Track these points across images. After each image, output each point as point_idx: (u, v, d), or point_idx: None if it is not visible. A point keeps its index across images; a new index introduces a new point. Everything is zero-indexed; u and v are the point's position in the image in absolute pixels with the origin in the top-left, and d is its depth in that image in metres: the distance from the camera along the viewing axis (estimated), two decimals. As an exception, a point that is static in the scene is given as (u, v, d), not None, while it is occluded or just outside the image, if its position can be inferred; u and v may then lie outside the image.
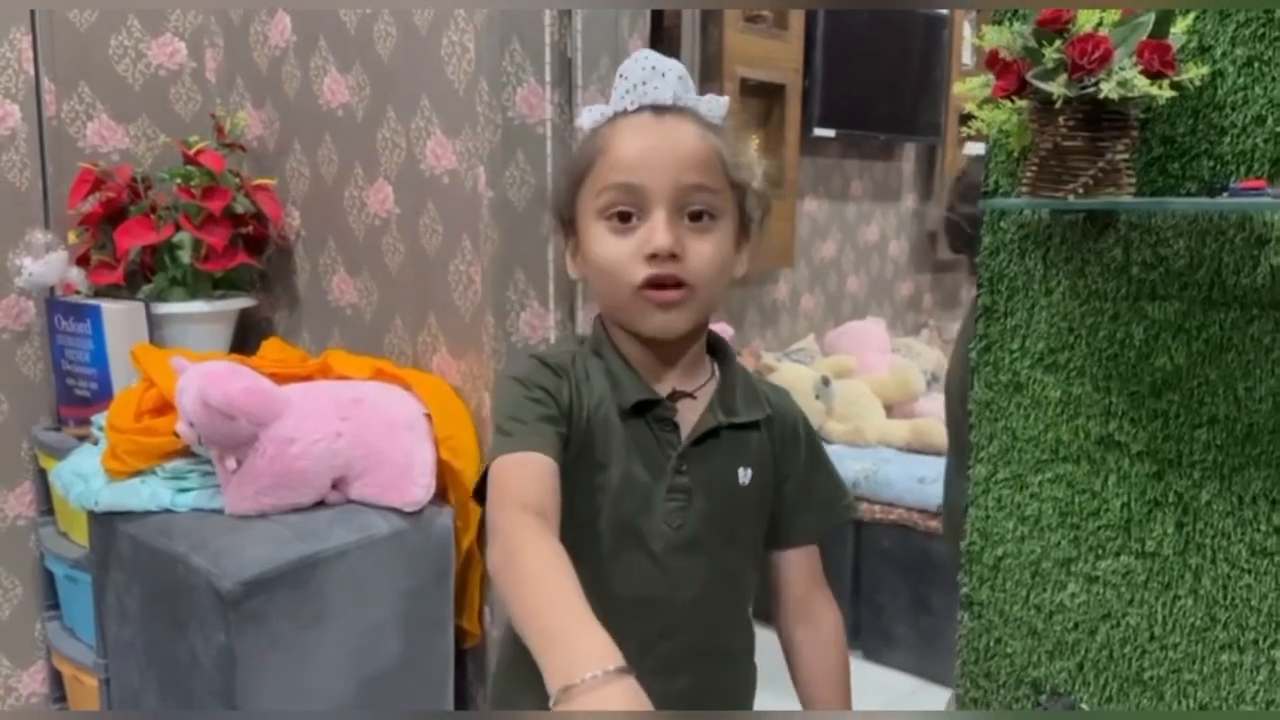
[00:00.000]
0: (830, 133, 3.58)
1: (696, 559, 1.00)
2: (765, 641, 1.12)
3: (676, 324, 0.96)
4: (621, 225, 0.95)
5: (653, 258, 0.93)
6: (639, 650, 0.98)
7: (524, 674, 0.97)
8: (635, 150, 0.94)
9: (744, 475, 1.01)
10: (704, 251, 0.95)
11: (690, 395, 1.01)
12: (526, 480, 0.89)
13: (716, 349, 1.06)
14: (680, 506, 0.99)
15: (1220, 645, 1.11)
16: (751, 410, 1.03)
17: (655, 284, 0.94)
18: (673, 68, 0.96)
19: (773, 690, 1.13)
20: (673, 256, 0.93)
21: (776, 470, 1.05)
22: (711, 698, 1.03)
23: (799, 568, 1.09)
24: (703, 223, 0.95)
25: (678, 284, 0.94)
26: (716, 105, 0.98)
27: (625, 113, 0.97)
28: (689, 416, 1.00)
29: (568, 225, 1.02)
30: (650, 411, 0.99)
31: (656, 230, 0.93)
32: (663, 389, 1.00)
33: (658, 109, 0.96)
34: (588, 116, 1.00)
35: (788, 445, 1.06)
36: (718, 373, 1.04)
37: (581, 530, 0.98)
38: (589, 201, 0.97)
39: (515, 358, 1.86)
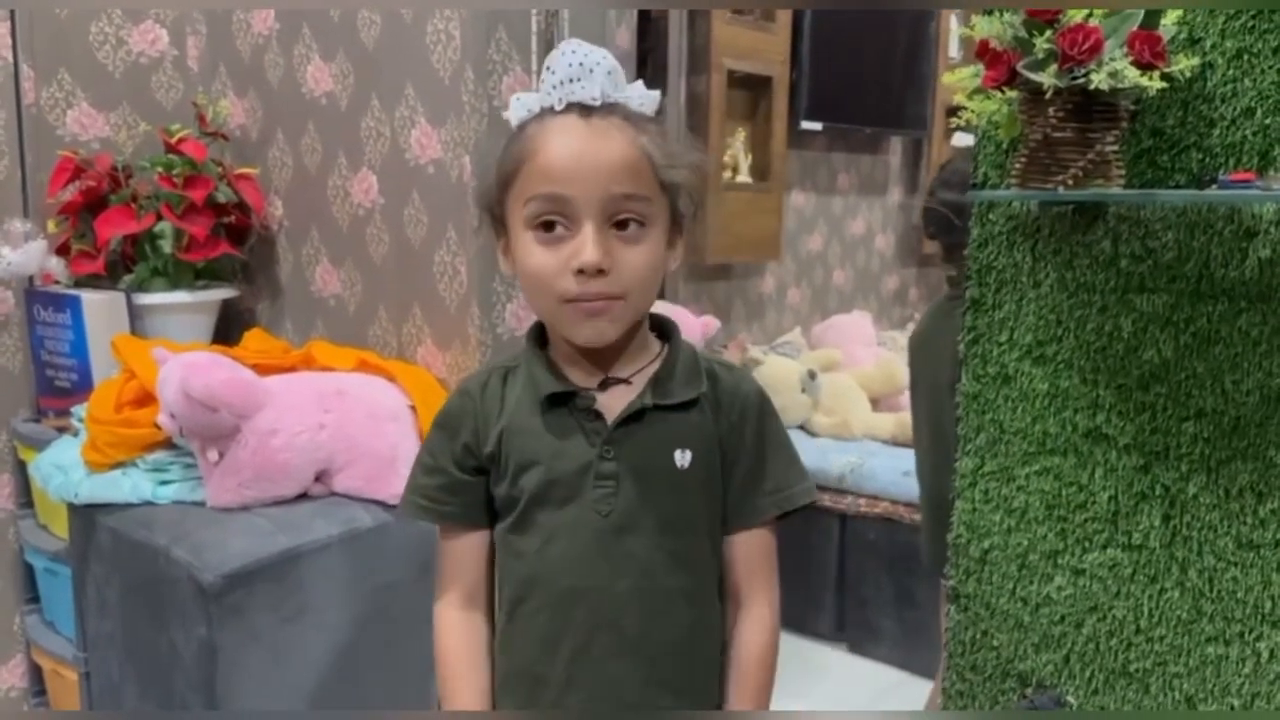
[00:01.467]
0: (817, 126, 3.58)
1: (630, 545, 0.98)
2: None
3: (607, 333, 0.96)
4: (548, 235, 0.93)
5: (580, 273, 0.92)
6: (582, 640, 0.99)
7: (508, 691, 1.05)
8: (562, 158, 0.92)
9: (681, 458, 0.99)
10: (634, 261, 0.94)
11: (626, 381, 1.00)
12: (453, 565, 1.07)
13: (665, 331, 1.05)
14: (608, 493, 0.98)
15: (1206, 638, 1.11)
16: (687, 390, 1.00)
17: (583, 298, 0.93)
18: (601, 62, 0.93)
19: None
20: (600, 272, 0.92)
21: (724, 451, 1.02)
22: (667, 689, 1.01)
23: (740, 552, 1.05)
24: (630, 231, 0.93)
25: (607, 296, 0.93)
26: (648, 99, 0.96)
27: (553, 111, 0.94)
28: (620, 403, 0.99)
29: (498, 221, 1.00)
30: (569, 402, 0.99)
31: (585, 245, 0.91)
32: (597, 379, 1.00)
33: (585, 109, 0.93)
34: (515, 109, 0.97)
35: (735, 426, 1.03)
36: (664, 354, 1.03)
37: (518, 527, 1.01)
38: (516, 207, 0.95)
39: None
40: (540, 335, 1.04)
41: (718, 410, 1.02)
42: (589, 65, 0.93)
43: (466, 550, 1.06)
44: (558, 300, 0.94)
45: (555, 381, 1.00)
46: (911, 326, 3.99)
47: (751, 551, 1.06)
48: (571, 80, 0.93)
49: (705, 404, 1.01)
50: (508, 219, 0.98)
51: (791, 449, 1.08)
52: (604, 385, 1.00)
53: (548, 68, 0.95)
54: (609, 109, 0.94)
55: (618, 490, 0.98)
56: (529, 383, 1.01)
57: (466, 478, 1.04)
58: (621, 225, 0.93)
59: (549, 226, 0.93)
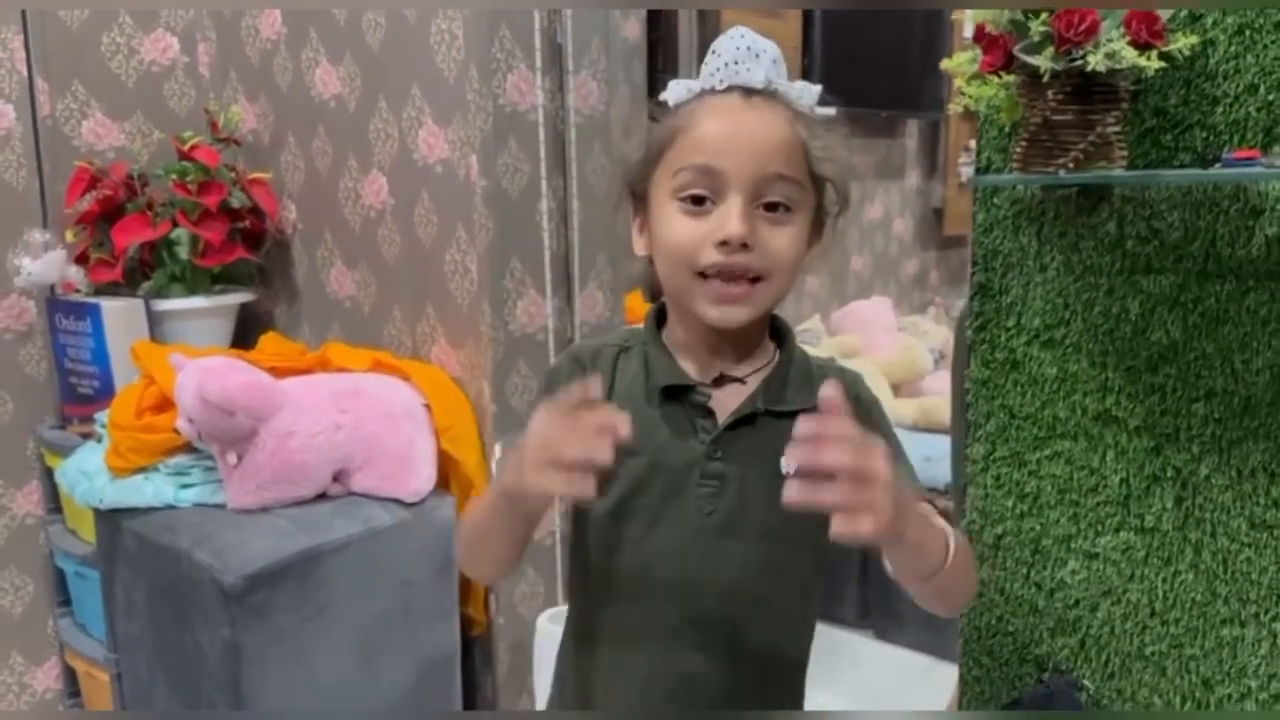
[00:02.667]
0: (831, 110, 3.53)
1: (731, 547, 0.96)
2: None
3: (737, 316, 0.93)
4: (695, 208, 0.91)
5: (723, 245, 0.90)
6: (673, 633, 0.98)
7: (573, 662, 1.04)
8: (719, 132, 0.91)
9: (788, 465, 0.98)
10: (778, 243, 0.92)
11: (740, 380, 0.98)
12: None
13: (779, 333, 1.03)
14: (713, 492, 0.96)
15: (1221, 619, 1.11)
16: (799, 398, 0.97)
17: (722, 274, 0.91)
18: (768, 49, 0.93)
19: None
20: (744, 246, 0.90)
21: None
22: (747, 695, 0.99)
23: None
24: (779, 214, 0.92)
25: (745, 276, 0.91)
26: (808, 93, 0.95)
27: (713, 91, 0.93)
28: (732, 402, 0.97)
29: (639, 200, 0.99)
30: (684, 396, 0.97)
31: (731, 217, 0.89)
32: (711, 374, 0.98)
33: (747, 91, 0.92)
34: (674, 91, 0.96)
35: None
36: (777, 358, 1.01)
37: (616, 515, 0.98)
38: (664, 179, 0.94)
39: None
40: (659, 320, 1.02)
41: None
42: (755, 50, 0.93)
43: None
44: (693, 273, 0.92)
45: (674, 372, 0.97)
46: (933, 311, 3.98)
47: None
48: (737, 63, 0.92)
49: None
50: (651, 194, 0.96)
51: (904, 453, 1.03)
52: (718, 382, 0.98)
53: (713, 51, 0.94)
54: (770, 94, 0.93)
55: (721, 491, 0.96)
56: (645, 368, 0.99)
57: None
58: (770, 208, 0.92)
59: (697, 200, 0.92)
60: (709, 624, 0.98)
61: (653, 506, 0.97)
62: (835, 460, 0.76)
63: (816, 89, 0.96)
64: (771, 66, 0.93)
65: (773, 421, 0.96)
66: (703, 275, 0.92)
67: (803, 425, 0.78)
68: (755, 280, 0.92)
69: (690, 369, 0.98)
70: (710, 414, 0.97)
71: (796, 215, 0.93)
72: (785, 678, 1.04)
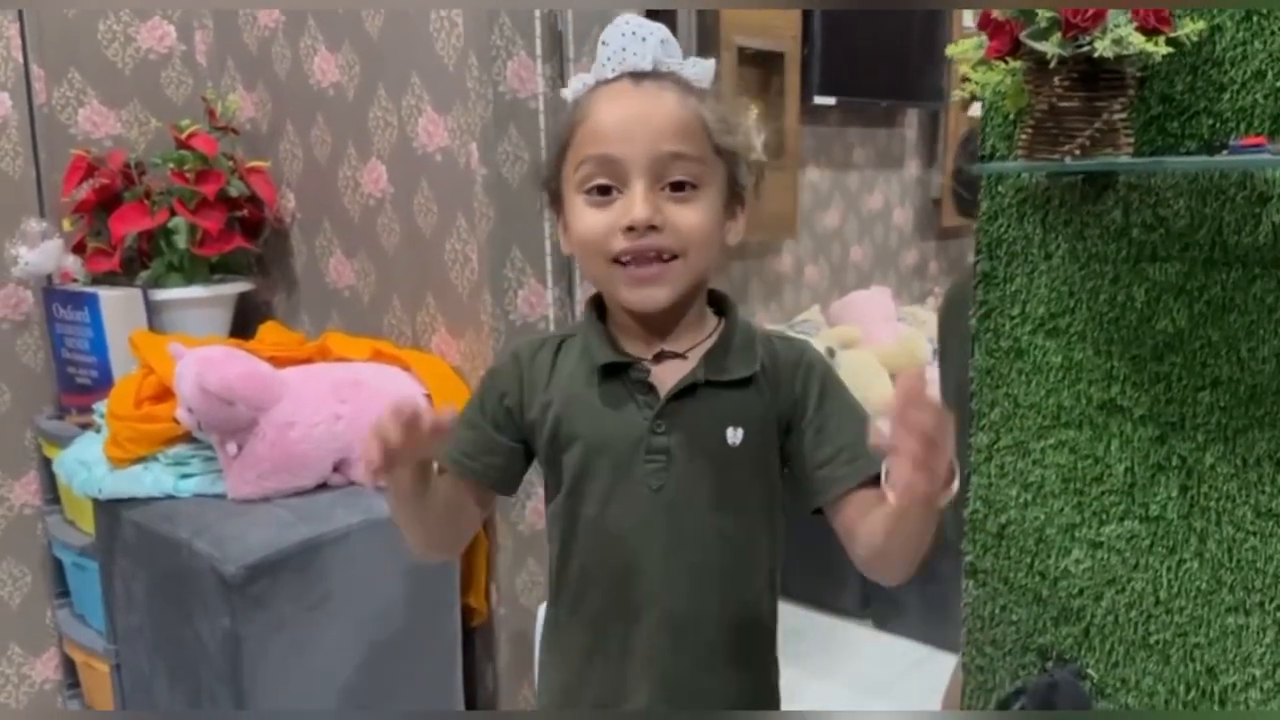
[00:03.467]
0: (831, 100, 3.54)
1: (682, 522, 0.98)
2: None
3: (657, 297, 0.95)
4: (601, 198, 0.94)
5: (630, 230, 0.92)
6: (631, 616, 0.99)
7: (552, 651, 1.07)
8: (612, 120, 0.93)
9: (734, 435, 0.98)
10: (687, 221, 0.93)
11: (681, 355, 1.00)
12: None
13: (723, 306, 1.04)
14: (660, 468, 0.97)
15: (1226, 608, 1.10)
16: (741, 367, 0.99)
17: (635, 258, 0.93)
18: (654, 31, 0.94)
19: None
20: (652, 228, 0.91)
21: (790, 424, 1.00)
22: (716, 668, 1.01)
23: (855, 509, 0.97)
24: (685, 192, 0.93)
25: (659, 257, 0.93)
26: (702, 69, 0.96)
27: (605, 81, 0.95)
28: (674, 377, 0.99)
29: (556, 199, 1.01)
30: (624, 374, 0.99)
31: (634, 202, 0.91)
32: (653, 351, 1.00)
33: (637, 76, 0.94)
34: (572, 86, 0.99)
35: (800, 398, 1.00)
36: (720, 330, 1.02)
37: (571, 499, 1.01)
38: (570, 174, 0.96)
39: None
40: (599, 306, 1.03)
41: (777, 386, 1.00)
42: (641, 34, 0.94)
43: (473, 500, 1.06)
44: (608, 260, 0.94)
45: (611, 351, 0.99)
46: (932, 301, 3.98)
47: (868, 503, 0.96)
48: (624, 49, 0.94)
49: (762, 381, 1.00)
50: (563, 191, 0.98)
51: (862, 412, 1.03)
52: (659, 358, 1.00)
53: (602, 41, 0.96)
54: (661, 75, 0.95)
55: (669, 465, 0.97)
56: (584, 352, 1.01)
57: (501, 439, 1.04)
58: (676, 187, 0.93)
59: (602, 190, 0.93)
60: (670, 601, 0.99)
61: (603, 487, 0.99)
62: (923, 418, 0.79)
63: (710, 63, 0.97)
64: (659, 47, 0.94)
65: (715, 392, 0.98)
66: (619, 262, 0.93)
67: (903, 381, 0.84)
68: (671, 259, 0.93)
69: (631, 349, 1.00)
70: (652, 389, 0.98)
71: (704, 191, 0.94)
72: (753, 646, 1.05)
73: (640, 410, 0.98)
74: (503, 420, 1.04)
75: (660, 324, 0.99)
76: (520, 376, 1.03)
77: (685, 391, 0.98)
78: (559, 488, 1.02)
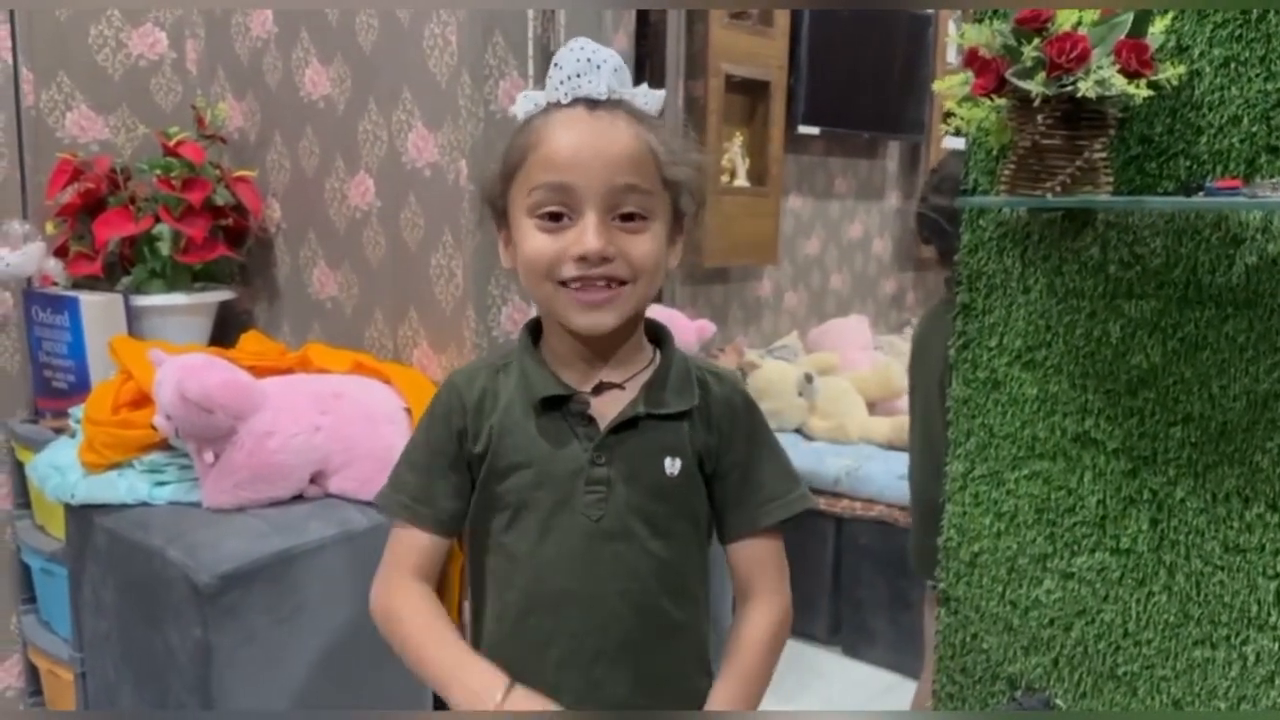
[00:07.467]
0: (815, 130, 3.58)
1: (620, 551, 0.99)
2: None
3: (605, 320, 0.96)
4: (552, 224, 0.94)
5: (582, 260, 0.93)
6: (571, 644, 0.99)
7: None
8: (567, 148, 0.93)
9: (671, 465, 1.00)
10: (638, 250, 0.94)
11: (619, 386, 1.01)
12: (409, 552, 1.05)
13: (659, 337, 1.05)
14: (599, 498, 0.98)
15: (1194, 641, 1.12)
16: (680, 400, 1.01)
17: (583, 284, 0.94)
18: (608, 59, 0.95)
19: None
20: (603, 260, 0.93)
21: (716, 460, 1.03)
22: (654, 695, 1.01)
23: (744, 556, 1.06)
24: (635, 223, 0.95)
25: (608, 284, 0.94)
26: (652, 99, 0.98)
27: (559, 105, 0.96)
28: (613, 408, 1.00)
29: (500, 214, 1.01)
30: (564, 406, 1.00)
31: (587, 232, 0.92)
32: (591, 382, 1.01)
33: (591, 103, 0.95)
34: (522, 104, 0.99)
35: (728, 436, 1.03)
36: (657, 361, 1.03)
37: (509, 530, 1.01)
38: (520, 196, 0.96)
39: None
40: (534, 334, 1.04)
41: (709, 421, 1.03)
42: (596, 61, 0.94)
43: (431, 549, 1.05)
44: (555, 284, 0.94)
45: (551, 383, 1.00)
46: (909, 330, 4.02)
47: (757, 555, 1.06)
48: (578, 75, 0.94)
49: (696, 414, 1.02)
50: (510, 210, 0.99)
51: (784, 456, 1.08)
52: (597, 390, 1.01)
53: (555, 64, 0.96)
54: (614, 104, 0.95)
55: (609, 496, 0.98)
56: (522, 383, 1.01)
57: (451, 476, 1.03)
58: (626, 218, 0.94)
59: (554, 216, 0.94)
60: (609, 629, 1.00)
61: (542, 518, 0.99)
62: None
63: (660, 94, 0.99)
64: (613, 76, 0.95)
65: (654, 424, 1.00)
66: (564, 284, 0.94)
67: None
68: (620, 285, 0.95)
69: (569, 378, 1.01)
70: (591, 421, 1.00)
71: (652, 222, 0.96)
72: (687, 670, 1.06)
73: (580, 442, 0.99)
74: (454, 452, 1.03)
75: (600, 350, 1.00)
76: (464, 407, 1.03)
77: (627, 424, 0.99)
78: (499, 515, 1.02)
